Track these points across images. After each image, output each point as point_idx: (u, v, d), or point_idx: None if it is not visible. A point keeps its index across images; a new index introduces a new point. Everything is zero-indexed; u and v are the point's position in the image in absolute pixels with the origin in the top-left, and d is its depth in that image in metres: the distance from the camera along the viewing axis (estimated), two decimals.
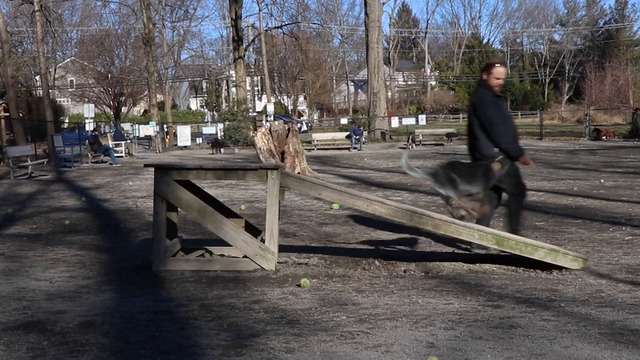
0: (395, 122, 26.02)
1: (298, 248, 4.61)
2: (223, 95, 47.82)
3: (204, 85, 54.27)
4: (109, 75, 37.68)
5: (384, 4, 26.81)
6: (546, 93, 54.23)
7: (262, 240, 3.98)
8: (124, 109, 39.88)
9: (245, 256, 3.92)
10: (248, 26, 37.38)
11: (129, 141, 21.51)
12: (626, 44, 51.94)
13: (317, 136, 22.49)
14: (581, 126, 25.55)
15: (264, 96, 32.78)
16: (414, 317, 2.81)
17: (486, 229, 3.83)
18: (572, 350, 2.36)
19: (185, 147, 23.59)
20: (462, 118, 43.19)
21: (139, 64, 37.76)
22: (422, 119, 27.16)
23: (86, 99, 35.67)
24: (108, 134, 22.84)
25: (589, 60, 50.22)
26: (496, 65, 4.04)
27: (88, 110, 21.70)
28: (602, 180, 8.63)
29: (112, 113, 37.60)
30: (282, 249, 4.20)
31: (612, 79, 38.26)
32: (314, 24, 42.59)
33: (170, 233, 4.11)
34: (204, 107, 51.34)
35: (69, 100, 43.87)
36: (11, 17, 30.67)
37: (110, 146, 17.44)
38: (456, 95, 51.23)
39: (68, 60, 43.99)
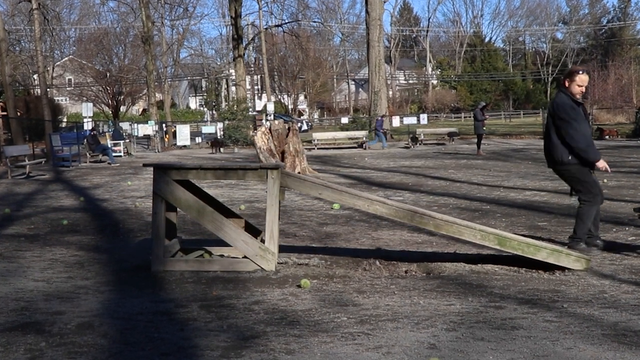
0: (396, 122, 25.99)
1: (298, 248, 4.60)
2: (222, 94, 47.82)
3: (204, 84, 54.24)
4: (108, 74, 37.62)
5: (385, 2, 26.80)
6: (549, 92, 54.11)
7: (262, 241, 3.96)
8: (122, 108, 39.83)
9: (245, 257, 3.90)
10: (248, 24, 37.36)
11: (127, 140, 21.46)
12: (629, 43, 51.73)
13: (317, 135, 22.45)
14: None
15: (264, 95, 32.77)
16: (415, 318, 2.80)
17: (488, 229, 3.81)
18: (574, 351, 2.35)
19: (185, 146, 23.56)
20: (464, 117, 43.13)
21: (138, 63, 37.73)
22: (424, 118, 27.09)
23: (84, 98, 35.58)
24: (107, 133, 22.80)
25: (592, 59, 50.04)
26: (579, 72, 4.12)
27: (86, 110, 21.63)
28: (605, 180, 8.60)
29: (110, 112, 37.54)
30: (282, 249, 4.18)
31: (615, 77, 38.06)
32: (315, 22, 42.48)
33: (170, 233, 4.09)
34: (204, 106, 51.31)
35: (67, 99, 43.79)
36: (9, 15, 30.60)
37: (109, 145, 17.40)
38: (458, 94, 51.14)
39: (66, 58, 43.90)
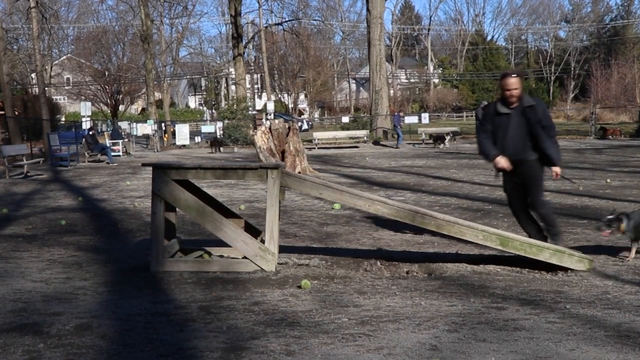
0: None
1: (299, 249, 4.58)
2: (222, 93, 47.76)
3: (203, 83, 54.18)
4: (106, 73, 37.53)
5: (386, 0, 26.70)
6: (551, 91, 53.97)
7: (262, 241, 3.94)
8: (121, 107, 39.73)
9: (244, 257, 3.88)
10: (248, 23, 37.24)
11: (126, 140, 21.42)
12: (633, 41, 51.36)
13: (318, 135, 22.41)
14: (587, 125, 25.35)
15: (264, 94, 32.70)
16: (416, 319, 2.78)
17: (490, 229, 3.79)
18: (577, 352, 2.34)
19: (184, 146, 23.52)
20: (466, 116, 43.05)
21: (137, 62, 37.65)
22: (425, 117, 27.02)
23: (83, 97, 35.51)
24: (105, 133, 22.76)
25: (595, 58, 49.74)
26: (505, 76, 4.05)
27: (85, 109, 21.58)
28: (608, 180, 8.59)
29: (109, 111, 37.45)
30: (283, 249, 4.16)
31: (619, 76, 37.80)
32: (315, 20, 42.48)
33: (169, 233, 4.06)
34: (203, 105, 51.27)
35: (66, 98, 43.69)
36: (6, 14, 30.51)
37: (108, 145, 17.36)
38: (460, 93, 51.03)
39: (64, 57, 43.79)
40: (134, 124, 27.04)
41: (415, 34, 60.32)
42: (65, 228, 5.76)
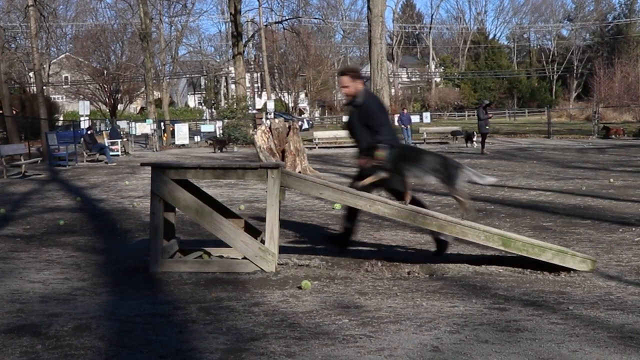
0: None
1: (299, 249, 4.55)
2: (222, 92, 47.74)
3: (203, 82, 54.15)
4: (105, 72, 37.47)
5: None
6: (554, 90, 53.88)
7: (262, 241, 3.91)
8: (120, 107, 39.67)
9: (244, 257, 3.86)
10: (247, 21, 37.19)
11: (125, 139, 21.39)
12: (636, 40, 51.24)
13: (318, 134, 22.39)
14: (590, 124, 25.35)
15: (264, 93, 32.63)
16: (418, 320, 2.77)
17: (492, 229, 3.78)
18: (580, 354, 2.32)
19: (183, 145, 23.49)
20: (468, 116, 43.01)
21: (136, 60, 37.59)
22: (427, 116, 26.99)
23: (81, 96, 35.46)
24: (104, 132, 22.72)
25: (598, 57, 49.68)
26: (340, 73, 4.24)
27: (83, 108, 21.54)
28: (611, 180, 8.58)
29: (108, 110, 37.39)
30: (283, 250, 4.14)
31: (622, 75, 37.69)
32: (316, 19, 42.34)
33: (168, 234, 4.04)
34: (203, 104, 51.22)
35: (64, 97, 43.62)
36: (4, 12, 30.40)
37: (106, 144, 17.32)
38: (461, 92, 50.91)
39: (62, 56, 43.66)
40: (133, 123, 27.01)
41: (417, 32, 60.20)
42: (63, 228, 5.74)
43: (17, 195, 8.69)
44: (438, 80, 55.22)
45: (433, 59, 56.21)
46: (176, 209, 4.13)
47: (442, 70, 56.08)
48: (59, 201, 7.94)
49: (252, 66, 44.04)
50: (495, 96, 49.50)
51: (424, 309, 2.96)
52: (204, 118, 38.58)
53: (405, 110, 21.32)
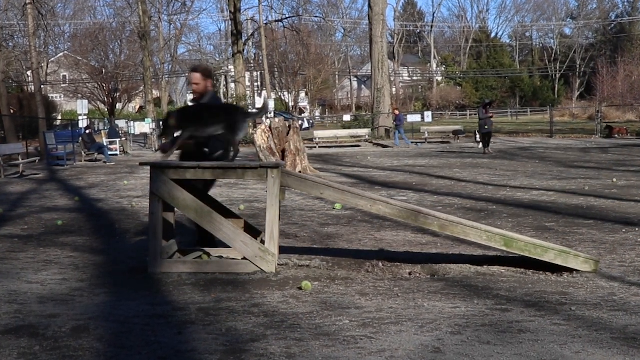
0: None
1: (299, 250, 4.54)
2: (222, 91, 47.60)
3: None
4: (103, 71, 37.39)
5: None
6: (556, 89, 53.76)
7: (262, 242, 3.89)
8: (118, 106, 39.61)
9: (244, 258, 3.84)
10: (247, 19, 37.04)
11: (124, 139, 21.33)
12: (639, 38, 51.37)
13: (319, 134, 22.37)
14: (593, 123, 25.27)
15: (264, 92, 32.60)
16: (419, 321, 2.75)
17: (494, 229, 3.77)
18: (583, 355, 2.31)
19: None
20: (470, 115, 42.96)
21: (135, 59, 37.53)
22: (428, 115, 26.94)
23: (79, 95, 35.39)
24: (102, 131, 22.66)
25: (601, 55, 49.51)
26: (191, 70, 4.23)
27: (81, 107, 21.50)
28: (614, 180, 8.57)
29: (106, 110, 37.32)
30: (283, 250, 4.12)
31: (625, 74, 37.51)
32: (316, 17, 42.24)
33: (167, 234, 4.01)
34: None
35: (62, 96, 43.53)
36: (2, 10, 30.27)
37: (105, 144, 17.28)
38: (463, 91, 50.80)
39: (61, 54, 43.56)
40: (132, 122, 26.93)
41: (418, 31, 60.09)
42: (61, 228, 5.71)
43: (15, 195, 8.65)
44: (439, 79, 55.13)
45: (434, 57, 56.12)
46: (175, 209, 4.11)
47: (443, 69, 55.98)
48: (57, 201, 7.91)
49: (252, 65, 43.95)
50: (498, 95, 49.44)
51: (426, 310, 2.94)
52: None
53: (397, 112, 21.46)
